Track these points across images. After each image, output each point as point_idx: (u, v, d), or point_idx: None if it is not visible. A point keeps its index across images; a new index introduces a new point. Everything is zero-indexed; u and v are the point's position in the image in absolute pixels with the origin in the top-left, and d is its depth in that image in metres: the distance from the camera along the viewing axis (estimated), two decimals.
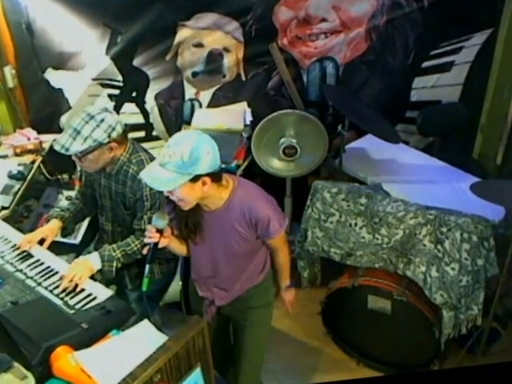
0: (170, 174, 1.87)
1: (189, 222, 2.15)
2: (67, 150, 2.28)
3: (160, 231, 2.04)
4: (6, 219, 2.85)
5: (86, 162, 2.37)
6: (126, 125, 2.43)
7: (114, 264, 2.43)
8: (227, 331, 2.57)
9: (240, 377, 2.47)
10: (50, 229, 2.61)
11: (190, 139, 1.88)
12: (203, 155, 1.87)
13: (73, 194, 3.07)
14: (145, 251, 2.09)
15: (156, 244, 2.05)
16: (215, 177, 1.98)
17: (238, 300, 2.33)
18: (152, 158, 2.50)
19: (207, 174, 1.92)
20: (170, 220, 2.10)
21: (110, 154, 2.38)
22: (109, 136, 2.31)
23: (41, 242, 2.56)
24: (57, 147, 2.29)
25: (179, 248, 2.27)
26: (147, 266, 2.06)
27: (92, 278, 2.35)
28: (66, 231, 2.75)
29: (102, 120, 2.29)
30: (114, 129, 2.32)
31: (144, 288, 2.08)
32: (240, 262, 2.25)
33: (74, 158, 2.37)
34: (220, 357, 2.29)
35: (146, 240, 2.05)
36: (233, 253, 2.19)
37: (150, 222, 2.27)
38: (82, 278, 2.27)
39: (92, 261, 2.39)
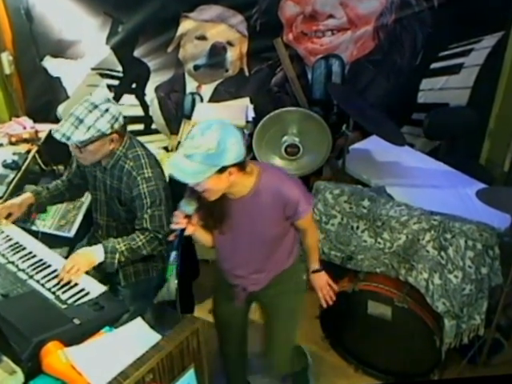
0: (197, 165, 1.85)
1: (214, 211, 2.12)
2: (68, 138, 2.22)
3: (188, 217, 2.01)
4: None
5: (85, 152, 2.31)
6: (124, 117, 2.39)
7: (117, 256, 2.35)
8: (248, 317, 2.62)
9: (273, 358, 2.55)
10: (19, 204, 2.57)
11: (216, 130, 1.86)
12: (230, 146, 1.86)
13: None
14: (171, 237, 2.06)
15: (183, 231, 2.01)
16: (241, 166, 1.97)
17: (269, 285, 2.34)
18: (149, 154, 2.47)
19: (233, 165, 1.90)
20: (195, 210, 2.07)
21: (110, 146, 2.35)
22: (112, 127, 2.28)
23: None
24: (57, 136, 2.24)
25: (204, 237, 2.25)
26: (173, 253, 2.08)
27: (86, 272, 2.28)
28: (38, 209, 2.72)
29: (107, 110, 2.25)
30: (117, 120, 2.29)
31: (169, 275, 2.09)
32: (269, 247, 2.24)
33: (72, 148, 2.33)
34: (236, 345, 2.37)
35: (173, 226, 2.02)
36: (261, 238, 2.19)
37: (151, 221, 2.24)
38: (79, 270, 2.22)
39: (94, 253, 2.33)
